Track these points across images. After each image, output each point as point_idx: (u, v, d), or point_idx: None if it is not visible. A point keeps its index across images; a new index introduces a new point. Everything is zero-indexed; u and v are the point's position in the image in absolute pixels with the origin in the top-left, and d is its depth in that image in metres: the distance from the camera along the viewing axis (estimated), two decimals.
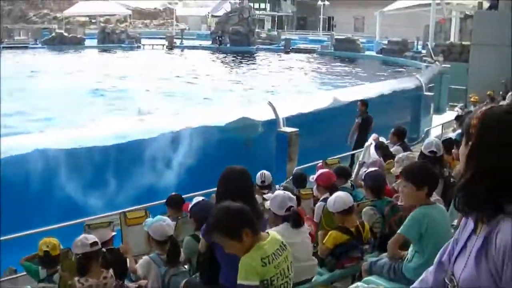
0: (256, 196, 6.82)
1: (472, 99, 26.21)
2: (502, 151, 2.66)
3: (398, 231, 6.01)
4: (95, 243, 6.32)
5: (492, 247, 2.64)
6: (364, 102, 18.78)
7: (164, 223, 6.83)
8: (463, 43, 45.84)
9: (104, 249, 6.76)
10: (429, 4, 53.14)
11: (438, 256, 3.14)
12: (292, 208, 6.32)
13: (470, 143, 2.79)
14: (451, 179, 8.64)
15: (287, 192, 6.54)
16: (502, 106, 2.85)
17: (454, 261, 2.91)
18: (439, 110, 30.23)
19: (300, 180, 10.07)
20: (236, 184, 5.80)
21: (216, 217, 4.62)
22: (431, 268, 3.18)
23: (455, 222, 6.78)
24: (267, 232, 4.78)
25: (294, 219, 6.32)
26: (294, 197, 6.60)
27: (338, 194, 7.22)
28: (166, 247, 6.68)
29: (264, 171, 9.86)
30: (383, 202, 7.52)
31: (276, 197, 6.35)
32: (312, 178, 9.08)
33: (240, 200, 4.85)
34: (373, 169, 8.87)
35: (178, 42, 64.37)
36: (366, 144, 13.30)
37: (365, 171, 8.87)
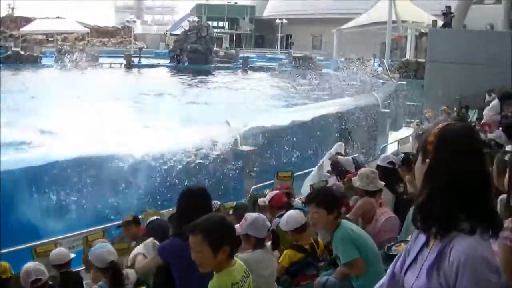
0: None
1: (427, 115, 26.62)
2: (459, 167, 2.77)
3: (343, 262, 5.99)
4: (36, 281, 6.33)
5: (446, 261, 2.75)
6: None
7: (104, 249, 6.67)
8: (419, 60, 46.57)
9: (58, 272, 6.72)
10: (385, 22, 53.93)
11: (391, 267, 3.21)
12: (271, 229, 6.32)
13: (427, 160, 2.88)
14: (404, 196, 8.79)
15: (261, 215, 6.46)
16: (457, 123, 2.95)
17: (405, 272, 3.00)
18: (395, 127, 30.61)
19: (257, 198, 10.12)
20: (195, 204, 5.77)
21: (207, 221, 4.45)
22: (385, 280, 3.24)
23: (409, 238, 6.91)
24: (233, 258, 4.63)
25: (275, 240, 6.35)
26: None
27: (290, 212, 7.23)
28: (108, 274, 6.47)
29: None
30: None
31: (256, 220, 6.15)
32: (262, 202, 9.05)
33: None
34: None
35: (136, 60, 64.07)
36: (319, 164, 13.46)
37: None
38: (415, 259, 2.96)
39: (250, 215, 6.23)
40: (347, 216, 7.65)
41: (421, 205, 2.88)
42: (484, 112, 17.81)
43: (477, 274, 2.66)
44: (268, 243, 6.51)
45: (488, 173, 2.87)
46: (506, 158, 4.61)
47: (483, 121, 15.63)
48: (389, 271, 3.22)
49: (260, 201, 9.07)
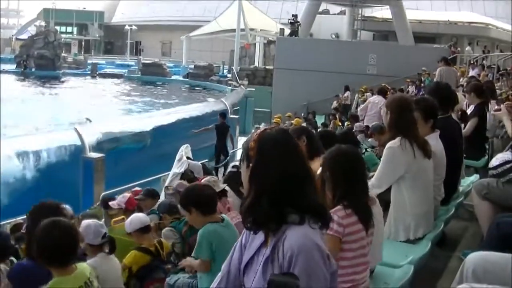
0: None
1: (275, 120, 27.10)
2: (279, 167, 2.95)
3: (193, 254, 5.97)
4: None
5: (280, 253, 2.88)
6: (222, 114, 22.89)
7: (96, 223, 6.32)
8: (267, 67, 47.63)
9: None
10: (234, 30, 54.53)
11: (225, 264, 3.31)
12: (106, 234, 6.22)
13: (251, 165, 3.05)
14: None
15: (95, 220, 6.37)
16: (274, 128, 3.18)
17: (244, 272, 3.12)
18: (244, 132, 30.98)
19: (107, 203, 10.02)
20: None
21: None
22: (221, 276, 3.31)
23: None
24: (75, 265, 4.52)
25: (111, 246, 6.24)
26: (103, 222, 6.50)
27: (135, 214, 7.29)
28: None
29: (65, 206, 9.68)
30: (181, 222, 7.65)
31: (89, 227, 6.12)
32: (117, 205, 8.93)
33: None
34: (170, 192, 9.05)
35: None
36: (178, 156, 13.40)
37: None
38: (252, 258, 3.07)
39: (83, 222, 6.15)
40: None
41: (249, 206, 3.02)
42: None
43: (310, 259, 2.82)
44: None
45: (308, 169, 3.05)
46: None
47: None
48: (224, 267, 3.32)
49: (113, 203, 8.97)
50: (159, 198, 9.48)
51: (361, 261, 4.05)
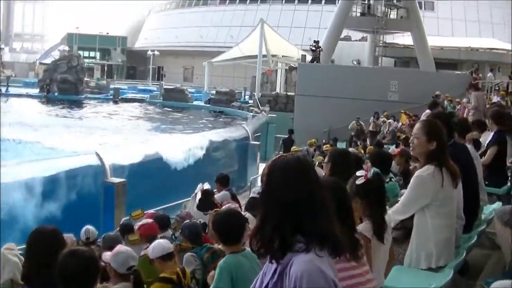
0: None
1: (309, 142, 26.51)
2: (285, 194, 2.97)
3: (212, 286, 5.92)
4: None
5: (286, 279, 2.91)
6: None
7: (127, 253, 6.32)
8: (288, 93, 47.61)
9: None
10: (256, 56, 54.67)
11: None
12: (133, 267, 6.17)
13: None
14: None
15: (130, 250, 6.34)
16: (288, 155, 3.18)
17: None
18: (265, 159, 30.92)
19: (127, 229, 9.99)
20: (46, 247, 5.19)
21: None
22: None
23: None
24: None
25: (136, 282, 6.18)
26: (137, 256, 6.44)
27: (158, 240, 7.19)
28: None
29: (89, 227, 9.68)
30: (202, 249, 7.65)
31: (119, 254, 6.10)
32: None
33: (49, 263, 4.68)
34: (188, 220, 9.04)
35: (3, 89, 61.92)
36: (193, 194, 13.43)
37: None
38: (266, 286, 3.08)
39: (118, 246, 6.15)
40: None
41: (254, 233, 3.07)
42: None
43: (314, 283, 2.82)
44: None
45: (320, 197, 3.03)
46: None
47: None
48: None
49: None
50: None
51: None
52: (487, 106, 19.74)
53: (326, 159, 6.43)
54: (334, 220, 3.07)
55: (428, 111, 16.44)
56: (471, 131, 9.01)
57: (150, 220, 9.14)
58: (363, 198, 4.75)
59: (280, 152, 23.64)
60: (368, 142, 26.05)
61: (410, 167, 9.90)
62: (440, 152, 5.64)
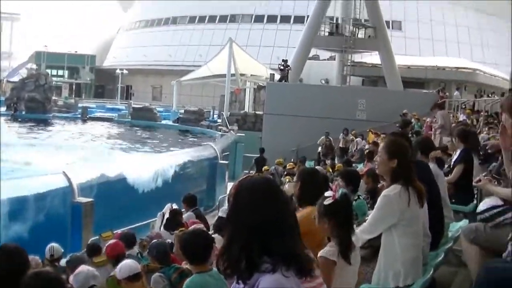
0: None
1: (277, 162, 26.57)
2: (251, 215, 2.97)
3: None
4: None
5: None
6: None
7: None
8: (257, 112, 47.67)
9: None
10: (225, 75, 54.78)
11: None
12: (94, 287, 6.12)
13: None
14: None
15: (91, 269, 6.31)
16: (255, 175, 3.24)
17: None
18: (234, 178, 30.88)
19: (93, 250, 9.94)
20: (7, 265, 4.89)
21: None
22: None
23: None
24: None
25: None
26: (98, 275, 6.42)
27: (125, 261, 7.18)
28: None
29: (53, 244, 9.61)
30: (170, 269, 7.61)
31: (79, 274, 6.07)
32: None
33: (12, 283, 4.54)
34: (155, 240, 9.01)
35: None
36: (159, 213, 13.38)
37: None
38: None
39: (81, 267, 6.11)
40: None
41: (220, 253, 3.06)
42: None
43: None
44: None
45: (287, 217, 3.04)
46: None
47: None
48: None
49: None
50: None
51: None
52: (453, 124, 19.96)
53: (295, 179, 6.47)
54: (300, 240, 3.08)
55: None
56: (434, 149, 9.07)
57: (115, 240, 9.12)
58: (331, 219, 4.75)
59: (252, 172, 23.68)
60: (336, 160, 26.19)
61: (379, 185, 9.95)
62: (404, 171, 5.65)
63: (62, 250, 9.77)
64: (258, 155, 29.52)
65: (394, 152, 5.75)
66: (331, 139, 31.70)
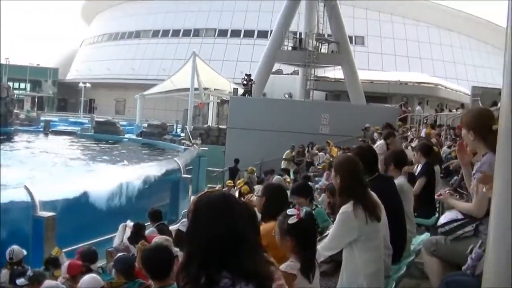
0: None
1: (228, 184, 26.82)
2: (210, 230, 2.97)
3: None
4: None
5: None
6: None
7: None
8: (220, 126, 47.67)
9: None
10: (188, 89, 54.75)
11: None
12: None
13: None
14: None
15: (58, 283, 6.30)
16: (214, 191, 3.24)
17: None
18: (197, 192, 30.78)
19: (54, 264, 9.89)
20: None
21: None
22: None
23: None
24: None
25: None
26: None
27: (88, 276, 7.17)
28: None
29: (14, 247, 9.54)
30: (135, 284, 7.58)
31: None
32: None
33: None
34: (121, 254, 8.96)
35: None
36: (120, 227, 13.33)
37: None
38: None
39: (47, 282, 6.12)
40: None
41: (179, 269, 3.07)
42: None
43: None
44: None
45: (247, 232, 3.06)
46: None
47: None
48: None
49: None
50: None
51: None
52: (417, 139, 20.11)
53: (260, 193, 6.49)
54: (260, 255, 3.11)
55: (382, 141, 16.59)
56: (407, 163, 9.17)
57: (72, 260, 9.05)
58: (294, 238, 4.73)
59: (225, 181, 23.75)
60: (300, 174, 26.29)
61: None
62: (353, 188, 5.69)
63: (25, 253, 9.67)
64: (233, 165, 31.22)
65: (336, 170, 5.86)
66: (304, 145, 32.04)
